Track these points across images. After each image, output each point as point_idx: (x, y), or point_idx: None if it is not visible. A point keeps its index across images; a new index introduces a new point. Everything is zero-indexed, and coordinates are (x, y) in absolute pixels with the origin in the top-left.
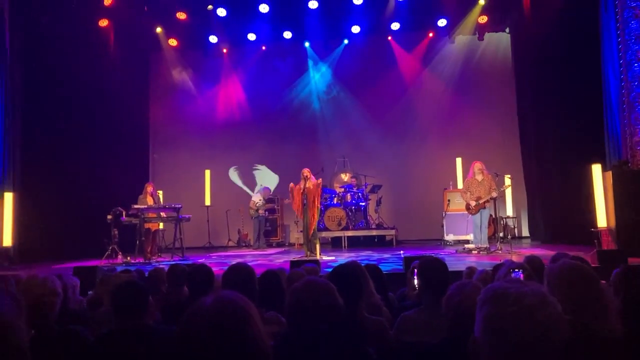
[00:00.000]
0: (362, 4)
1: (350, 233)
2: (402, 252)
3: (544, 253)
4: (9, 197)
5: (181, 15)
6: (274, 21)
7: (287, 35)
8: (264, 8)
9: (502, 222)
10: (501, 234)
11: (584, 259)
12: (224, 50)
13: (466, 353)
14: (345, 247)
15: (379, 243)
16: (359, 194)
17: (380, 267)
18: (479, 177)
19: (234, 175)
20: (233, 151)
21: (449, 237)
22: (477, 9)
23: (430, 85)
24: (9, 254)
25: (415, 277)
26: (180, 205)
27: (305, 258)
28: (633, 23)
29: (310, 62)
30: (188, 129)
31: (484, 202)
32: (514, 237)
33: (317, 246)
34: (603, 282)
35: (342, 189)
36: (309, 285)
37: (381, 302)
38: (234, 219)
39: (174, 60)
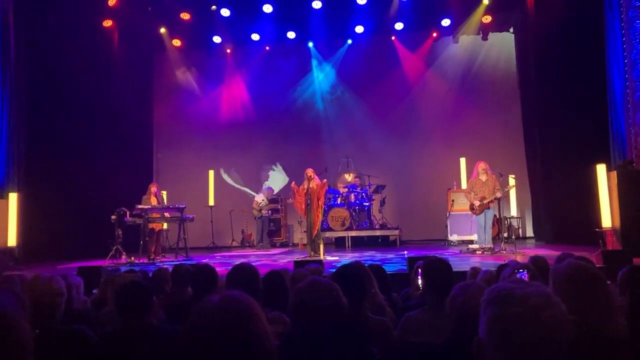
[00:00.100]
0: (365, 4)
1: (353, 233)
2: (405, 252)
3: (549, 253)
4: (13, 197)
5: (185, 16)
6: (278, 21)
7: (291, 35)
8: (267, 8)
9: (506, 223)
10: (505, 234)
11: (589, 259)
12: (228, 51)
13: (470, 353)
14: (348, 247)
15: (383, 243)
16: (363, 194)
17: (383, 267)
18: (483, 177)
19: (224, 175)
20: (237, 151)
21: (453, 238)
22: (481, 9)
23: (434, 85)
24: (13, 254)
25: (419, 277)
26: (184, 206)
27: (309, 258)
28: (638, 22)
29: (314, 62)
30: (192, 129)
31: (488, 203)
32: (518, 238)
33: (321, 246)
34: (608, 282)
35: (346, 189)
36: (313, 285)
37: (385, 302)
38: (238, 219)
39: (178, 61)
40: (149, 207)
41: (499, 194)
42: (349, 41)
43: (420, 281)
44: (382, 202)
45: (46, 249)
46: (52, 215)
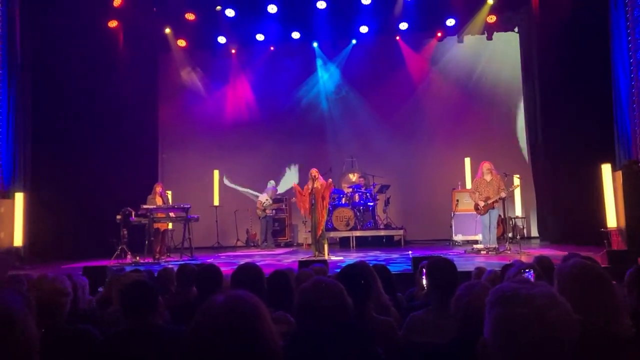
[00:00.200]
0: (370, 4)
1: (358, 233)
2: (410, 252)
3: (553, 253)
4: (19, 197)
5: (190, 16)
6: (283, 21)
7: (296, 35)
8: (272, 8)
9: (511, 223)
10: (510, 234)
11: (594, 259)
12: (233, 51)
13: (475, 354)
14: (353, 247)
15: (387, 243)
16: (367, 194)
17: (388, 267)
18: (488, 177)
19: (227, 181)
20: (241, 151)
21: (458, 238)
22: (485, 9)
23: (438, 85)
24: (19, 254)
25: (424, 277)
26: (189, 206)
27: (314, 258)
28: None
29: (318, 62)
30: (197, 130)
31: (493, 202)
32: (523, 238)
33: (325, 246)
34: (614, 282)
35: (350, 189)
36: (318, 285)
37: (389, 302)
38: (243, 219)
39: (183, 61)
40: (154, 207)
41: (503, 194)
42: (354, 41)
43: (424, 281)
44: (387, 202)
45: (51, 249)
46: (58, 215)
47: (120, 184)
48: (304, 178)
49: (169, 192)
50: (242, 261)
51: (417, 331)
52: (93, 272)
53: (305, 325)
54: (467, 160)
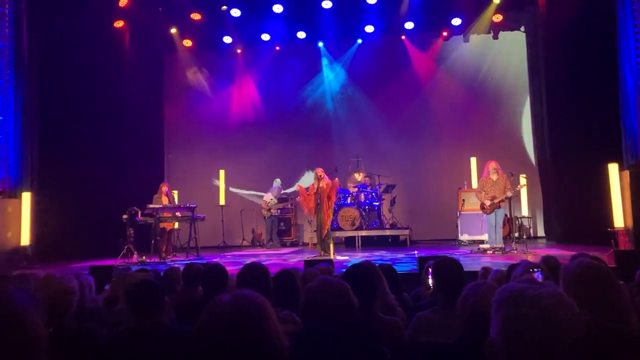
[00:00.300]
0: (376, 3)
1: (364, 233)
2: (416, 252)
3: (560, 253)
4: (26, 196)
5: (195, 16)
6: (288, 21)
7: (301, 35)
8: (278, 8)
9: (517, 222)
10: (516, 234)
11: (601, 259)
12: (238, 51)
13: (482, 354)
14: (359, 247)
15: (393, 243)
16: (373, 193)
17: (394, 267)
18: (494, 177)
19: (232, 189)
20: (247, 151)
21: (464, 237)
22: (491, 8)
23: (444, 84)
24: (26, 253)
25: (430, 277)
26: (195, 205)
27: (319, 258)
28: None
29: (324, 62)
30: (202, 129)
31: (499, 202)
32: (529, 237)
33: (331, 246)
34: (621, 282)
35: (356, 189)
36: (324, 285)
37: (395, 302)
38: (248, 219)
39: (189, 61)
40: (160, 206)
41: (509, 194)
42: (359, 41)
43: (430, 281)
44: (392, 202)
45: (58, 248)
46: (64, 215)
47: (127, 183)
48: (309, 178)
49: (176, 192)
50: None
51: (423, 331)
52: (99, 271)
53: (311, 324)
54: (473, 160)
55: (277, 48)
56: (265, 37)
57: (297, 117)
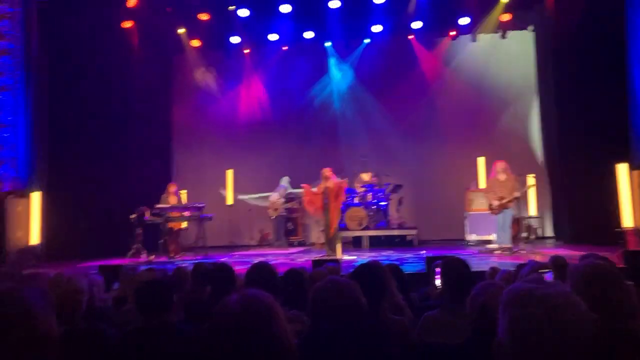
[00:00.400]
0: (383, 3)
1: (371, 233)
2: (424, 252)
3: (569, 253)
4: (36, 196)
5: (203, 16)
6: (296, 21)
7: (309, 35)
8: (285, 8)
9: (525, 222)
10: (524, 234)
11: (610, 259)
12: (246, 51)
13: (490, 354)
14: (366, 246)
15: (400, 243)
16: (380, 193)
17: (401, 267)
18: (502, 177)
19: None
20: (255, 151)
21: (471, 237)
22: (499, 7)
23: (452, 84)
24: (36, 252)
25: (438, 277)
26: (203, 205)
27: (327, 257)
28: None
29: (331, 62)
30: (210, 129)
31: (507, 202)
32: (537, 238)
33: (338, 246)
34: (630, 283)
35: (363, 189)
36: (332, 284)
37: (403, 302)
38: (256, 218)
39: (197, 61)
40: (169, 206)
41: (517, 194)
42: (367, 41)
43: (438, 281)
44: (400, 202)
45: (67, 248)
46: (73, 215)
47: (135, 183)
48: (316, 177)
49: (184, 192)
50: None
51: (431, 331)
52: (108, 270)
53: (319, 324)
54: (481, 160)
55: (285, 48)
56: (273, 37)
57: (304, 117)
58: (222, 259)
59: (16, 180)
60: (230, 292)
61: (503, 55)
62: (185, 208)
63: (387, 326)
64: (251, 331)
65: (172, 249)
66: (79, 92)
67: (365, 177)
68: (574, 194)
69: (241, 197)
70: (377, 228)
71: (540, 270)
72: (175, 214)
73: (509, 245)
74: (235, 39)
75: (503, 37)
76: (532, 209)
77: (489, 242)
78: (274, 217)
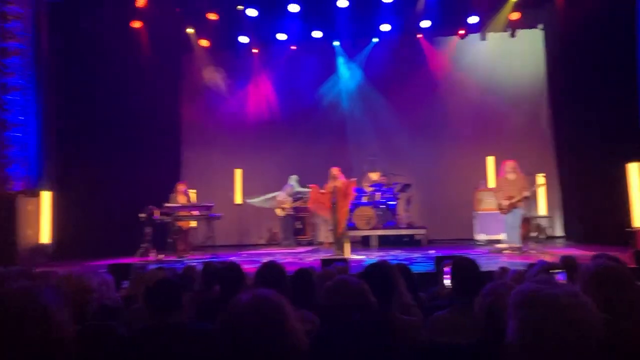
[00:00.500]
0: (392, 2)
1: (379, 232)
2: (432, 251)
3: (579, 253)
4: (46, 195)
5: (212, 16)
6: (304, 21)
7: (317, 34)
8: (294, 8)
9: (535, 222)
10: (534, 234)
11: (620, 259)
12: (255, 50)
13: (499, 354)
14: (374, 246)
15: (409, 242)
16: (389, 193)
17: (410, 266)
18: (511, 176)
19: (249, 200)
20: (263, 150)
21: (481, 237)
22: (508, 6)
23: (461, 83)
24: (46, 251)
25: (447, 276)
26: (211, 204)
27: (335, 257)
28: None
29: (339, 61)
30: (219, 129)
31: (517, 202)
32: (547, 237)
33: (347, 245)
34: None
35: (372, 188)
36: (342, 284)
37: (412, 301)
38: (264, 218)
39: (205, 61)
40: (178, 205)
41: (527, 193)
42: (375, 39)
43: (447, 281)
44: (408, 201)
45: (76, 247)
46: (83, 213)
47: (144, 182)
48: (324, 176)
49: (194, 191)
50: (264, 259)
51: (440, 331)
52: (118, 269)
53: (329, 324)
54: (490, 159)
55: (293, 47)
56: (281, 36)
57: (313, 117)
58: (231, 258)
59: (27, 179)
60: (240, 292)
61: (512, 54)
62: (194, 207)
63: (396, 326)
64: (263, 330)
65: (181, 248)
66: (89, 92)
67: (374, 176)
68: (584, 193)
69: (249, 200)
70: (385, 227)
71: (552, 271)
72: (184, 213)
73: (519, 245)
74: (243, 39)
75: (512, 35)
76: (542, 209)
77: (498, 241)
78: (282, 216)
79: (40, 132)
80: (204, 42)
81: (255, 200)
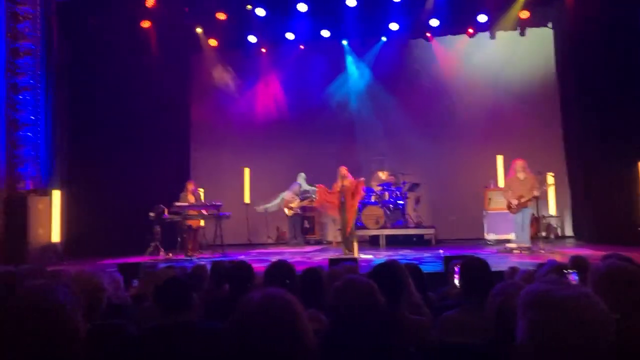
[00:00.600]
0: (400, 1)
1: (388, 232)
2: (441, 251)
3: (590, 253)
4: (57, 195)
5: (221, 16)
6: (313, 20)
7: (325, 33)
8: (302, 7)
9: (544, 222)
10: (544, 234)
11: (633, 259)
12: (263, 50)
13: (509, 354)
14: (383, 245)
15: (418, 242)
16: (397, 192)
17: (419, 266)
18: (521, 176)
19: (261, 207)
20: (272, 149)
21: (490, 237)
22: (518, 4)
23: (470, 82)
24: (57, 250)
25: (456, 276)
26: (220, 203)
27: (343, 256)
28: None
29: (348, 60)
30: (228, 128)
31: (526, 201)
32: (557, 237)
33: (355, 244)
34: None
35: (380, 188)
36: (351, 284)
37: (422, 301)
38: (273, 217)
39: (214, 60)
40: (187, 204)
41: (537, 193)
42: (384, 39)
43: (457, 280)
44: (417, 201)
45: (86, 245)
46: (93, 212)
47: (153, 182)
48: (333, 176)
49: (202, 190)
50: (273, 258)
51: (450, 331)
52: (127, 268)
53: (338, 323)
54: (500, 158)
55: (302, 47)
56: (290, 36)
57: (321, 116)
58: (240, 257)
59: (37, 178)
60: (249, 291)
61: (522, 53)
62: (203, 206)
63: (405, 325)
64: (274, 329)
65: (190, 247)
66: (99, 92)
67: (382, 175)
68: (594, 192)
69: (258, 208)
70: (394, 227)
71: (564, 271)
72: (193, 212)
73: (528, 245)
74: (252, 38)
75: (522, 34)
76: (552, 208)
77: (508, 241)
78: (289, 215)
79: (50, 131)
80: (213, 42)
81: (268, 206)
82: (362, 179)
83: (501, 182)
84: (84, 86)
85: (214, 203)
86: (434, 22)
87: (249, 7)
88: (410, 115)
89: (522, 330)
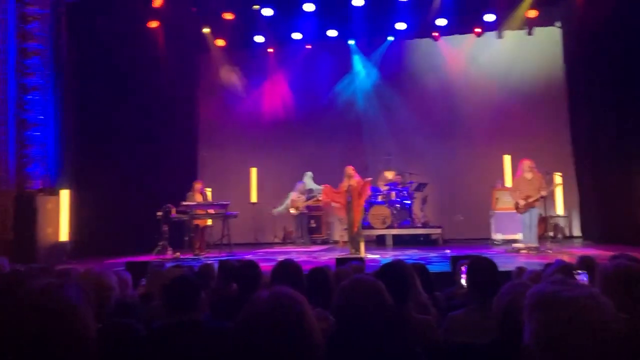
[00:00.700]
0: (407, 0)
1: (395, 231)
2: (448, 251)
3: (597, 253)
4: (65, 194)
5: (228, 16)
6: (319, 20)
7: (332, 33)
8: (309, 7)
9: (552, 222)
10: (551, 234)
11: None
12: (270, 50)
13: (516, 354)
14: (390, 245)
15: (425, 242)
16: (404, 192)
17: (426, 266)
18: (529, 176)
19: (275, 210)
20: (279, 149)
21: (497, 237)
22: (525, 3)
23: (477, 81)
24: (65, 249)
25: (464, 276)
26: (227, 202)
27: (350, 256)
28: None
29: (355, 60)
30: (235, 128)
31: (534, 201)
32: (565, 237)
33: (362, 244)
34: None
35: (387, 187)
36: (358, 283)
37: (429, 301)
38: (280, 216)
39: (222, 60)
40: (194, 204)
41: (544, 193)
42: (390, 38)
43: (464, 280)
44: (424, 200)
45: (94, 245)
46: (101, 212)
47: (161, 181)
48: (340, 175)
49: (209, 190)
50: (280, 258)
51: (457, 331)
52: (135, 267)
53: (345, 323)
54: (507, 158)
55: (309, 47)
56: (297, 35)
57: (328, 115)
58: (247, 256)
59: (46, 178)
60: (256, 290)
61: (529, 52)
62: (210, 205)
63: (412, 325)
64: (283, 328)
65: (197, 246)
66: (107, 92)
67: (389, 175)
68: (602, 192)
69: (275, 212)
70: (401, 227)
71: (574, 272)
72: (200, 211)
73: (536, 245)
74: (259, 38)
75: (529, 33)
76: (559, 208)
77: (515, 241)
78: (296, 214)
79: (58, 131)
80: (220, 42)
81: (281, 209)
82: (369, 178)
83: (508, 182)
84: (92, 86)
85: (221, 202)
86: (441, 22)
87: (256, 7)
88: (417, 115)
89: (529, 331)
